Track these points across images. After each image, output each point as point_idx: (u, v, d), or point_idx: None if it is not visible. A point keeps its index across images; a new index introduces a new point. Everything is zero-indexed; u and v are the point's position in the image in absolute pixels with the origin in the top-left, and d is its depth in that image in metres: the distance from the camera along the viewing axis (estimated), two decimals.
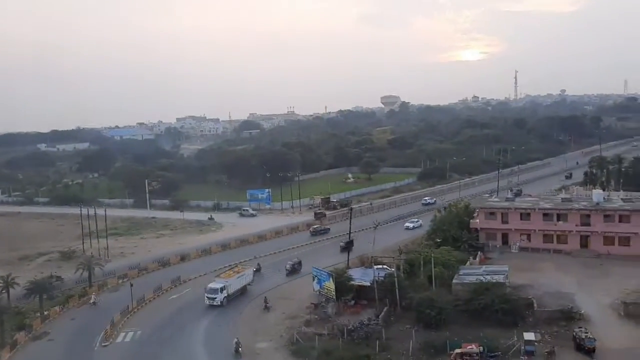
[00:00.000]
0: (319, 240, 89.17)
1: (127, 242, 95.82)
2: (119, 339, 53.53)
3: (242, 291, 63.92)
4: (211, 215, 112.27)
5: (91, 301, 64.56)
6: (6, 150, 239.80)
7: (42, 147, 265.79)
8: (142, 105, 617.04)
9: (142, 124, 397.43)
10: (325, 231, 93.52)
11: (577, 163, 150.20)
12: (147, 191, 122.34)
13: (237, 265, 67.94)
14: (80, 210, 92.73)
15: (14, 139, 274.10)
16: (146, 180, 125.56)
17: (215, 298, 60.08)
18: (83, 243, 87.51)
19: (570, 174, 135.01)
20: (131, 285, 63.17)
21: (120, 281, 71.48)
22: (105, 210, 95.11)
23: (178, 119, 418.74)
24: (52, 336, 55.29)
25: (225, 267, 70.76)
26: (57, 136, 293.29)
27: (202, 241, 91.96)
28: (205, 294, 60.55)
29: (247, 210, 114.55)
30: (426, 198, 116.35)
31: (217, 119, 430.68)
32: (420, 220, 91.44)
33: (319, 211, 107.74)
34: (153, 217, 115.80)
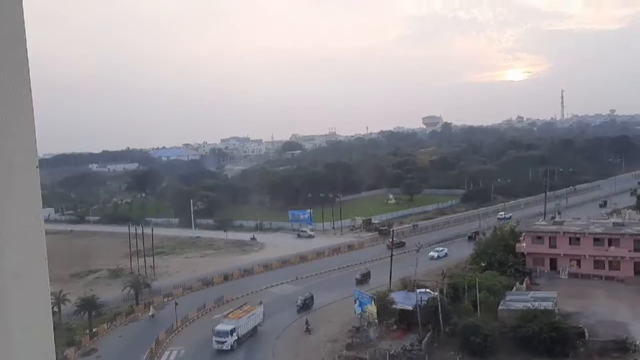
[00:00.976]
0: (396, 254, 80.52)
1: (172, 261, 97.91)
2: (164, 357, 54.56)
3: (253, 332, 58.46)
4: (254, 236, 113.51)
5: (150, 314, 66.69)
6: (60, 170, 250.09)
7: (94, 167, 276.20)
8: (187, 127, 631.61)
9: (188, 144, 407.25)
10: (402, 244, 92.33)
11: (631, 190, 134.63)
12: (192, 211, 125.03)
13: (246, 303, 62.09)
14: (129, 229, 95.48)
15: (68, 160, 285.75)
16: (191, 200, 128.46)
17: (225, 342, 54.62)
18: (131, 261, 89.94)
19: (605, 202, 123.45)
20: (176, 304, 64.55)
21: (166, 299, 73.01)
22: (152, 229, 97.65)
23: (222, 140, 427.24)
24: (99, 353, 56.92)
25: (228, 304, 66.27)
26: (108, 157, 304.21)
27: (244, 261, 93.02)
28: (213, 337, 55.19)
29: (305, 231, 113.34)
30: (501, 213, 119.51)
31: (260, 140, 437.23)
32: (446, 249, 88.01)
33: (383, 228, 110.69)
34: (197, 237, 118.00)
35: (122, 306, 71.15)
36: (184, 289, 77.68)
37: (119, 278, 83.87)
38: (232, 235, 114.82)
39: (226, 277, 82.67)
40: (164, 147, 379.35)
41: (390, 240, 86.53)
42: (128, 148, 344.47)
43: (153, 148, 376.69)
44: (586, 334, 49.86)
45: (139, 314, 68.30)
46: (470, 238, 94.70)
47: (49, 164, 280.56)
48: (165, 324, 61.99)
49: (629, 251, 67.30)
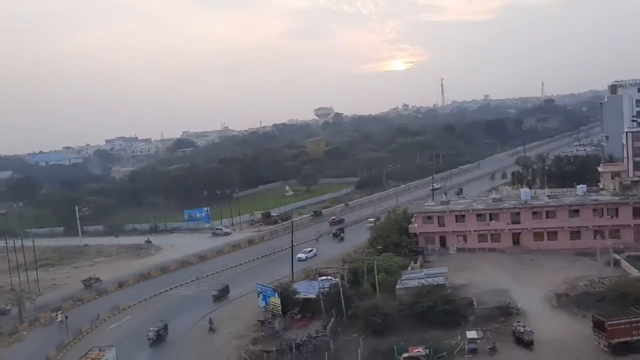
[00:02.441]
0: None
1: (59, 273, 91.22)
2: None
3: None
4: (148, 239, 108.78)
5: (58, 320, 63.97)
6: None
7: None
8: (67, 128, 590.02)
9: (69, 147, 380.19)
10: (341, 221, 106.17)
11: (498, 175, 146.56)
12: (77, 218, 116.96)
13: (92, 349, 50.03)
14: (6, 242, 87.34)
15: None
16: (76, 207, 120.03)
17: None
18: (11, 277, 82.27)
19: (493, 174, 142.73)
20: (65, 317, 60.28)
21: (54, 314, 67.70)
22: (33, 241, 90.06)
23: (107, 141, 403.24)
24: None
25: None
26: None
27: (140, 266, 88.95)
28: None
29: (220, 229, 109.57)
30: (434, 184, 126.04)
31: (149, 139, 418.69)
32: (315, 250, 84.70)
33: (316, 210, 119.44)
34: (85, 245, 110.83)
35: (3, 326, 64.98)
36: (74, 301, 72.60)
37: None
38: (124, 240, 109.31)
39: (120, 285, 78.50)
40: (41, 152, 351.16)
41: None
42: None
43: (29, 153, 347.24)
44: (475, 303, 53.64)
45: (24, 333, 62.77)
46: (335, 235, 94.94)
47: None
48: (55, 340, 57.48)
49: (507, 224, 73.35)
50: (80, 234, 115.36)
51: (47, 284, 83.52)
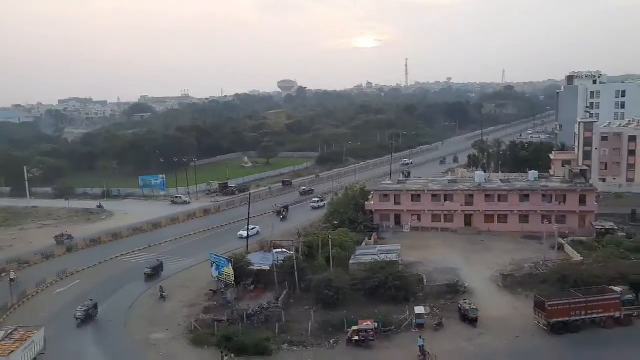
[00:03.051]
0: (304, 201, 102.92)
1: (4, 234, 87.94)
2: None
3: None
4: (100, 203, 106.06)
5: (10, 277, 62.55)
6: None
7: None
8: (18, 86, 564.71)
9: (19, 105, 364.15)
10: (311, 191, 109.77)
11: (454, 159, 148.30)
12: (26, 179, 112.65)
13: (17, 329, 43.91)
14: None
15: None
16: (25, 167, 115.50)
17: None
18: None
19: (444, 159, 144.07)
20: (11, 280, 58.31)
21: (6, 272, 65.41)
22: None
23: (60, 101, 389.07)
24: None
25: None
26: None
27: (91, 230, 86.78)
28: None
29: (180, 197, 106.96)
30: (405, 159, 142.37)
31: (105, 102, 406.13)
32: (258, 227, 79.76)
33: (286, 180, 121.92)
34: (34, 207, 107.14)
35: None
36: (19, 263, 70.31)
37: None
38: (75, 204, 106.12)
39: (69, 249, 76.49)
40: None
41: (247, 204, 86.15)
42: None
43: None
44: (425, 280, 55.03)
45: (12, 272, 60.53)
46: (278, 213, 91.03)
47: None
48: None
49: (461, 205, 75.13)
50: (28, 195, 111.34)
51: None
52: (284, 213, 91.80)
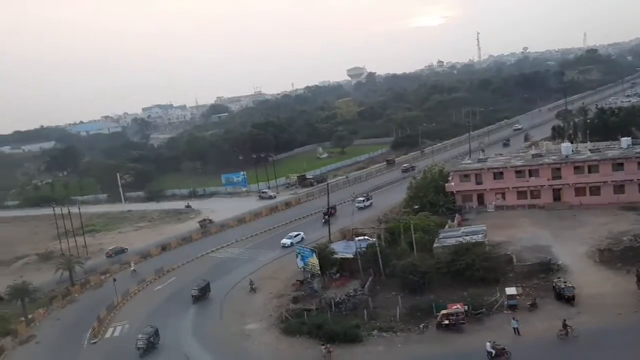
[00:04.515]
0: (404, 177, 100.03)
1: (105, 238, 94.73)
2: (108, 334, 53.41)
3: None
4: (188, 203, 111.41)
5: (131, 268, 71.31)
6: None
7: (6, 149, 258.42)
8: (105, 98, 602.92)
9: (108, 117, 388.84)
10: (413, 168, 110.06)
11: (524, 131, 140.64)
12: (119, 185, 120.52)
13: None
14: (54, 210, 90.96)
15: None
16: (118, 174, 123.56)
17: None
18: (60, 243, 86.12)
19: (508, 140, 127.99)
20: (114, 280, 62.83)
21: (103, 277, 70.85)
22: (79, 208, 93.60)
23: (144, 109, 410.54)
24: (39, 339, 54.77)
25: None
26: (21, 137, 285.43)
27: (181, 230, 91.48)
28: None
29: (266, 192, 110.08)
30: (517, 125, 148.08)
31: (184, 106, 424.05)
32: (302, 233, 75.15)
33: (389, 159, 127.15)
34: (129, 210, 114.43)
35: (57, 289, 68.45)
36: (120, 264, 75.59)
37: (49, 261, 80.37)
38: (165, 205, 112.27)
39: (164, 248, 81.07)
40: (81, 122, 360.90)
41: (326, 194, 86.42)
42: (42, 126, 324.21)
43: (69, 124, 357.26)
44: (514, 260, 53.17)
45: (76, 295, 66.02)
46: (324, 215, 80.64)
47: None
48: (105, 301, 60.30)
49: (547, 179, 71.69)
50: (123, 200, 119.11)
51: (95, 248, 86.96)
52: (329, 216, 78.48)
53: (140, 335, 48.16)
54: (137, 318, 55.80)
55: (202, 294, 58.23)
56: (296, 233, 75.00)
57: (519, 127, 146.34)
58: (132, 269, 71.88)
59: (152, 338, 48.34)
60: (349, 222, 73.16)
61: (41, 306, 62.31)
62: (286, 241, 72.86)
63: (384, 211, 79.11)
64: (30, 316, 59.56)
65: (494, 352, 38.54)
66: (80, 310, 60.73)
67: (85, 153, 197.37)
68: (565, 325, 39.98)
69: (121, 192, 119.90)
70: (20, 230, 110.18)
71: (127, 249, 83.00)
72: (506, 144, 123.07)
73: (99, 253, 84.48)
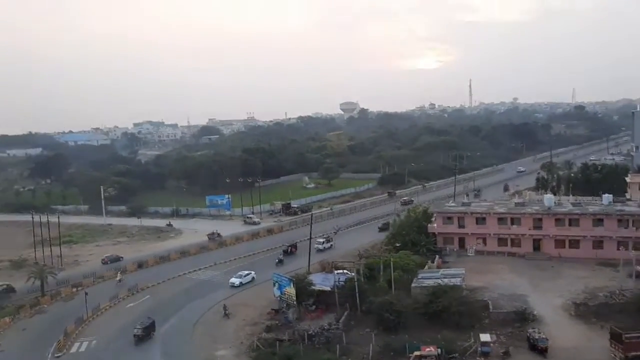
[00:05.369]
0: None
1: (82, 250, 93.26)
2: (73, 349, 52.08)
3: None
4: (170, 222, 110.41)
5: (117, 279, 72.29)
6: None
7: None
8: (97, 110, 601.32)
9: (98, 128, 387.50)
10: (411, 202, 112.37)
11: (518, 171, 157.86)
12: (102, 197, 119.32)
13: None
14: (32, 218, 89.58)
15: None
16: (102, 187, 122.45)
17: None
18: (35, 251, 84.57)
19: (479, 190, 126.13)
20: (86, 293, 61.74)
21: (75, 290, 69.46)
22: (58, 217, 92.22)
23: (135, 124, 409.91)
24: (2, 347, 53.22)
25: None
26: (7, 141, 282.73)
27: (160, 248, 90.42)
28: None
29: (250, 217, 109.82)
30: (520, 167, 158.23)
31: (176, 124, 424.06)
32: (253, 273, 70.80)
33: (391, 191, 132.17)
34: (109, 224, 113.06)
35: (26, 298, 66.87)
36: (94, 278, 74.27)
37: (22, 269, 78.65)
38: (146, 222, 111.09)
39: (140, 265, 79.92)
40: (70, 132, 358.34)
41: (309, 224, 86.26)
42: (30, 132, 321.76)
43: (58, 132, 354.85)
44: (490, 307, 53.25)
45: (45, 305, 64.52)
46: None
47: None
48: (75, 314, 58.97)
49: (529, 229, 72.44)
50: (104, 213, 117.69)
51: (70, 259, 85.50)
52: (284, 254, 79.42)
53: (137, 325, 53.26)
54: (106, 334, 54.61)
55: (146, 334, 52.86)
56: (247, 272, 70.41)
57: (522, 169, 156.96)
58: (118, 279, 72.52)
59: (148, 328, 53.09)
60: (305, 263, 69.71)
61: (8, 314, 60.71)
62: (235, 280, 68.36)
63: (344, 254, 75.21)
64: None
65: None
66: (48, 322, 59.30)
67: (72, 163, 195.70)
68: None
69: (103, 205, 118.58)
70: None
71: (122, 257, 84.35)
72: (477, 194, 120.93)
73: (74, 265, 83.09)
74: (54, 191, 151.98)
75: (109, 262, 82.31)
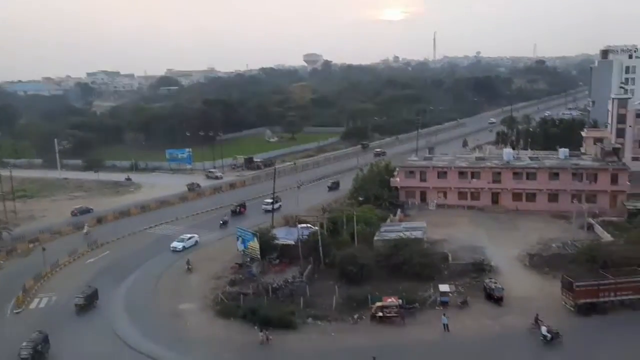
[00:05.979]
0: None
1: (37, 205, 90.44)
2: (33, 305, 51.25)
3: None
4: (128, 176, 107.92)
5: (84, 231, 71.02)
6: None
7: None
8: (47, 58, 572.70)
9: (49, 78, 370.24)
10: (384, 153, 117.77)
11: (490, 123, 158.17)
12: (57, 151, 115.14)
13: None
14: None
15: None
16: (55, 140, 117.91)
17: None
18: None
19: (432, 148, 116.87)
20: (43, 249, 60.20)
21: (31, 245, 67.58)
22: (10, 171, 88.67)
23: (89, 74, 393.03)
24: None
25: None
26: None
27: (119, 203, 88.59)
28: None
29: (212, 172, 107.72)
30: (491, 119, 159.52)
31: (132, 75, 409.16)
32: (196, 236, 67.54)
33: (364, 142, 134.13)
34: (65, 178, 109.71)
35: None
36: (51, 233, 72.37)
37: None
38: (104, 176, 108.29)
39: (99, 220, 78.26)
40: (19, 81, 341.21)
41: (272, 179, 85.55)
42: None
43: (7, 82, 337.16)
44: (450, 258, 54.76)
45: (1, 262, 62.73)
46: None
47: None
48: (32, 270, 57.57)
49: (488, 182, 74.12)
50: (59, 167, 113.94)
51: (25, 214, 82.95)
52: (232, 214, 77.92)
53: (77, 295, 50.15)
54: (66, 290, 53.69)
55: (88, 302, 49.69)
56: (189, 235, 67.04)
57: (493, 121, 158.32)
58: (85, 231, 71.77)
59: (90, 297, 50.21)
60: (255, 222, 68.89)
61: None
62: (177, 244, 65.05)
63: (291, 214, 70.80)
64: None
65: (549, 335, 39.98)
66: (5, 278, 57.80)
67: (22, 114, 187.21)
68: (537, 320, 41.93)
69: (58, 159, 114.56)
70: None
71: (92, 209, 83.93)
72: (431, 150, 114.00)
73: (29, 220, 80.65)
74: (4, 144, 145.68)
75: (78, 213, 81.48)
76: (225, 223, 73.86)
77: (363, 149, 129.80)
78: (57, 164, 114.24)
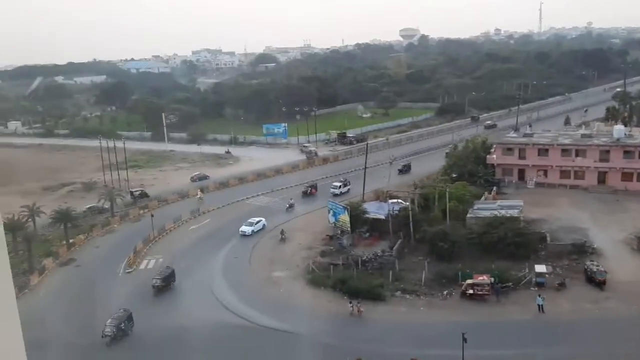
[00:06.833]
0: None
1: (146, 175, 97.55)
2: (142, 266, 55.89)
3: None
4: (228, 149, 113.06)
5: (198, 196, 77.49)
6: (24, 82, 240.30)
7: (60, 79, 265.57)
8: (157, 37, 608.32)
9: (158, 56, 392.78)
10: (494, 126, 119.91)
11: (585, 111, 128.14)
12: (164, 125, 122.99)
13: None
14: (100, 143, 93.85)
15: (32, 72, 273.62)
16: (163, 114, 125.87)
17: None
18: (104, 174, 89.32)
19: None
20: (152, 215, 65.10)
21: (142, 212, 73.45)
22: (124, 143, 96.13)
23: (194, 52, 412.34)
24: (78, 262, 57.80)
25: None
26: (74, 68, 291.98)
27: (220, 174, 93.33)
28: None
29: (307, 146, 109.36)
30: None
31: (233, 52, 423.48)
32: (263, 220, 65.48)
33: (474, 115, 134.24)
34: (171, 150, 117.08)
35: (97, 218, 71.52)
36: (159, 201, 78.08)
37: (92, 191, 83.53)
38: (206, 149, 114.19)
39: (202, 190, 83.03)
40: (132, 59, 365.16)
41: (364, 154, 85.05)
42: (95, 59, 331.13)
43: (121, 60, 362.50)
44: (548, 239, 52.37)
45: (115, 226, 68.90)
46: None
47: (10, 75, 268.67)
48: (142, 234, 62.77)
49: (594, 161, 69.47)
50: (166, 140, 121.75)
51: (136, 183, 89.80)
52: (303, 195, 75.52)
53: (155, 276, 49.82)
54: (171, 253, 58.10)
55: (166, 284, 49.49)
56: (257, 219, 65.22)
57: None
58: (198, 196, 77.90)
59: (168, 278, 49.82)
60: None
61: (82, 232, 65.38)
62: (246, 229, 62.94)
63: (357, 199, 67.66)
64: (71, 241, 62.66)
65: None
66: (118, 241, 63.49)
67: (134, 90, 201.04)
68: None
69: (165, 132, 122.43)
70: (67, 159, 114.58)
71: (208, 176, 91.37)
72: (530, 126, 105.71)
73: (139, 188, 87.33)
74: (118, 118, 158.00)
75: (197, 179, 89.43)
76: (292, 206, 71.04)
77: (473, 121, 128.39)
78: (164, 136, 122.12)
